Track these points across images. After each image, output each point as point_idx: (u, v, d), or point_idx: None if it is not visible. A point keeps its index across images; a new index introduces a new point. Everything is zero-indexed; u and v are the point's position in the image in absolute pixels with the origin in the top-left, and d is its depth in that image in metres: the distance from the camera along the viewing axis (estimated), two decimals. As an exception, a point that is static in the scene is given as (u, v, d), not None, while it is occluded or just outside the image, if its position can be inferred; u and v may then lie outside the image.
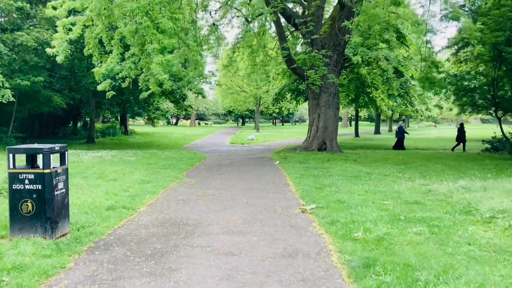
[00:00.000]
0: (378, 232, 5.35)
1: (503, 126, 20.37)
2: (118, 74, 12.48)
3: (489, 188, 7.63)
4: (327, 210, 6.70)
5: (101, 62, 12.37)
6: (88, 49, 12.47)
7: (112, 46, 11.56)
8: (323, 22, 18.57)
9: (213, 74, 23.45)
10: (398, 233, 5.33)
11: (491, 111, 22.45)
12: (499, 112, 20.96)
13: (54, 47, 11.64)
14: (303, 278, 3.98)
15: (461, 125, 22.63)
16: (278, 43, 19.52)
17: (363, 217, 6.11)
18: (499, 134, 19.90)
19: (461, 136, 22.09)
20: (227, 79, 40.90)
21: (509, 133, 18.87)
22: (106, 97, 12.22)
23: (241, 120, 79.83)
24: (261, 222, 6.13)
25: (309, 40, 16.75)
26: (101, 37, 12.03)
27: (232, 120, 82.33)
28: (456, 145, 22.01)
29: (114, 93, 12.20)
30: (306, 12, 17.67)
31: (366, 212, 6.42)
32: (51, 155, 4.97)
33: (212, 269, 4.22)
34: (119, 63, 11.99)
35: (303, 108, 65.41)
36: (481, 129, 52.95)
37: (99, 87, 11.94)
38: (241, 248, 4.88)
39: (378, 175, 10.83)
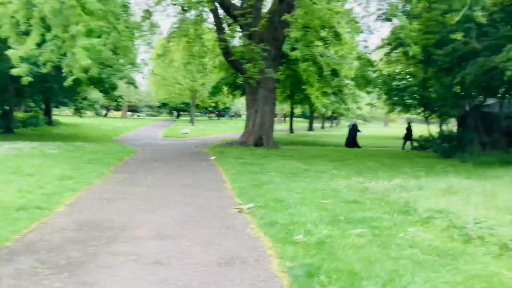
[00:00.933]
0: (319, 234, 5.06)
1: (430, 125, 21.37)
2: (38, 57, 11.28)
3: (424, 187, 7.69)
4: (266, 210, 6.32)
5: (19, 45, 11.09)
6: (4, 31, 11.13)
7: (30, 26, 10.38)
8: (262, 15, 18.25)
9: (146, 63, 22.32)
10: (339, 235, 5.07)
11: (419, 111, 23.52)
12: (426, 112, 21.95)
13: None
14: (241, 290, 3.56)
15: (409, 123, 23.42)
16: (216, 35, 18.95)
17: (303, 218, 5.80)
18: (427, 133, 20.77)
19: (408, 134, 22.88)
20: (161, 70, 39.52)
21: (437, 132, 19.76)
22: (22, 83, 10.97)
23: (176, 113, 77.98)
24: (195, 224, 5.62)
25: (248, 32, 16.36)
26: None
27: (167, 113, 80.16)
28: (404, 143, 22.77)
29: (31, 79, 10.98)
30: (245, 5, 17.26)
31: (305, 212, 6.13)
32: None
33: (137, 283, 3.66)
34: (39, 47, 10.84)
35: (240, 103, 65.17)
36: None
37: (15, 72, 10.70)
38: (172, 256, 4.35)
39: (315, 172, 10.69)
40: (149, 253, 4.42)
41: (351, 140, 23.12)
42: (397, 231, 5.31)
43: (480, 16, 11.36)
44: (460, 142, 17.44)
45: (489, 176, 9.98)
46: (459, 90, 18.14)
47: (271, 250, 4.59)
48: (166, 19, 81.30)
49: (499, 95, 17.95)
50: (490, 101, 18.91)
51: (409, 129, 22.90)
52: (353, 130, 23.41)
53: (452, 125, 23.48)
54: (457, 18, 11.37)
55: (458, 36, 12.76)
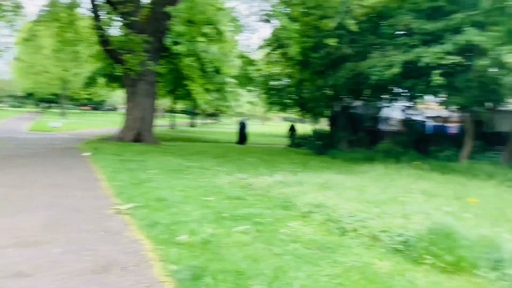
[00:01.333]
0: (204, 233, 4.93)
1: (305, 124, 22.68)
2: None
3: (303, 183, 8.04)
4: (147, 209, 5.99)
5: None
6: None
7: None
8: (144, 5, 17.48)
9: (8, 48, 19.86)
10: (224, 234, 5.00)
11: (295, 110, 24.82)
12: (302, 111, 23.25)
13: None
14: (120, 300, 3.26)
15: (292, 123, 24.45)
16: (93, 21, 17.66)
17: (186, 217, 5.62)
18: (303, 131, 21.99)
19: (292, 133, 23.91)
20: (28, 56, 35.67)
21: (312, 131, 21.03)
22: None
23: (44, 105, 71.33)
24: (66, 228, 5.08)
25: (128, 22, 15.52)
26: None
27: (34, 104, 72.80)
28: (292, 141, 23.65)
29: None
30: (125, -8, 16.36)
31: (189, 211, 5.96)
32: None
33: (-6, 300, 3.14)
34: None
35: (118, 96, 62.05)
36: (283, 126, 58.64)
37: None
38: (38, 266, 3.84)
39: (197, 169, 10.55)
40: (9, 263, 3.84)
41: (242, 138, 23.74)
42: (280, 227, 5.44)
43: (352, 24, 12.31)
44: (331, 140, 18.81)
45: (357, 172, 10.88)
46: (330, 92, 19.58)
47: (153, 253, 4.33)
48: (35, 1, 73.87)
49: (364, 97, 19.74)
50: (357, 103, 20.74)
51: (292, 128, 24.13)
52: (242, 127, 24.00)
53: (324, 124, 25.22)
54: (333, 24, 12.16)
55: (332, 41, 13.69)
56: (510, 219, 5.79)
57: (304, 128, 21.87)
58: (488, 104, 14.37)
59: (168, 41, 19.53)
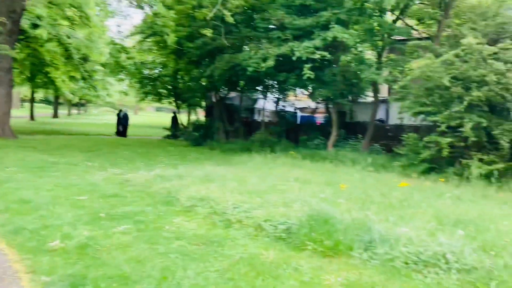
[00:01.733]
0: (79, 237, 4.49)
1: (181, 115, 22.36)
2: None
3: (184, 176, 7.85)
4: (8, 214, 5.27)
5: None
6: None
7: None
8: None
9: None
10: (103, 236, 4.62)
11: (170, 100, 24.31)
12: (177, 102, 22.88)
13: None
14: (-19, 325, 2.78)
15: (174, 114, 23.48)
16: None
17: (57, 220, 5.08)
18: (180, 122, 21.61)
19: (174, 123, 23.09)
20: None
21: (189, 122, 20.79)
22: None
23: None
24: None
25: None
26: None
27: None
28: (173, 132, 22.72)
29: None
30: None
31: (60, 213, 5.40)
32: None
33: None
34: None
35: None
36: (157, 116, 57.34)
37: None
38: None
39: (66, 165, 9.69)
40: None
41: (123, 129, 22.37)
42: (163, 224, 5.22)
43: (227, 15, 12.38)
44: (209, 131, 18.84)
45: (236, 162, 11.05)
46: (206, 83, 19.57)
47: (19, 264, 3.81)
48: None
49: (240, 89, 20.13)
50: (233, 94, 21.07)
51: (174, 119, 23.51)
52: (124, 118, 22.62)
53: (200, 115, 25.16)
54: (210, 14, 12.07)
55: (207, 32, 13.63)
56: (375, 201, 6.39)
57: (185, 119, 21.49)
58: (350, 97, 15.75)
59: (25, 23, 17.47)
